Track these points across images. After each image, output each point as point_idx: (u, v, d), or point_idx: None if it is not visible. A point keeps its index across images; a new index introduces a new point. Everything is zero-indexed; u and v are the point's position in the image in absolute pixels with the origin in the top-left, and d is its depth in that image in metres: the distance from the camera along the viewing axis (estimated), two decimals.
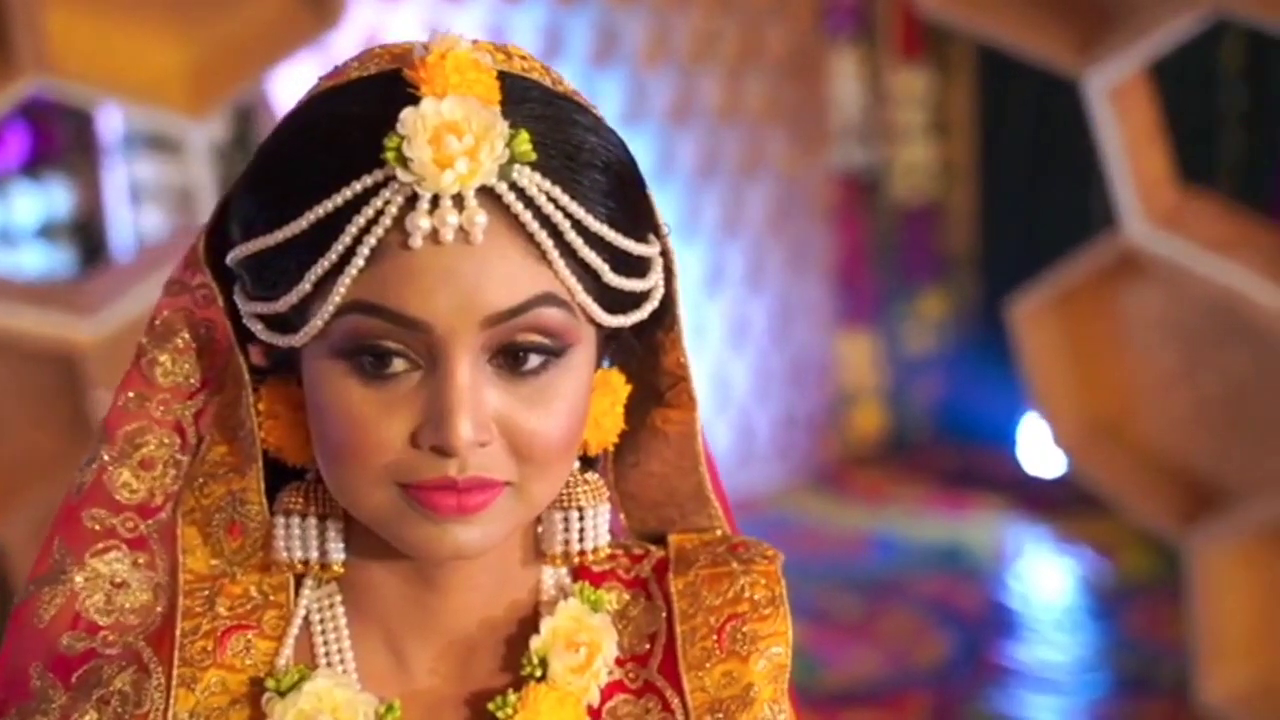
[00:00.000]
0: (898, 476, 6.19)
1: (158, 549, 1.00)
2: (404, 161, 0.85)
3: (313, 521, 0.98)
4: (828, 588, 4.82)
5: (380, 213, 0.86)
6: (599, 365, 0.98)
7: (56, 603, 0.99)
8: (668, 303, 0.99)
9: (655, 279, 0.96)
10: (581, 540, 1.00)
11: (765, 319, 6.05)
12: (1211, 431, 3.51)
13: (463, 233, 0.86)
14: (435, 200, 0.85)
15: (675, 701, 0.99)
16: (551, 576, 1.03)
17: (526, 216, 0.87)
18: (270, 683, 0.96)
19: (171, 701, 0.95)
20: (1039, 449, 5.80)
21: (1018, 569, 5.24)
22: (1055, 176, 6.01)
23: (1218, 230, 3.38)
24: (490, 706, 0.97)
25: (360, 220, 0.86)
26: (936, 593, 4.96)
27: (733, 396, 5.89)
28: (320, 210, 0.87)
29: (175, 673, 0.96)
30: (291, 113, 0.94)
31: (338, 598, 1.00)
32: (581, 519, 1.00)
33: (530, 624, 1.01)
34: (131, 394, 1.01)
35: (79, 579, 0.99)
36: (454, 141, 0.84)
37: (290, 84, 4.29)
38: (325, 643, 0.99)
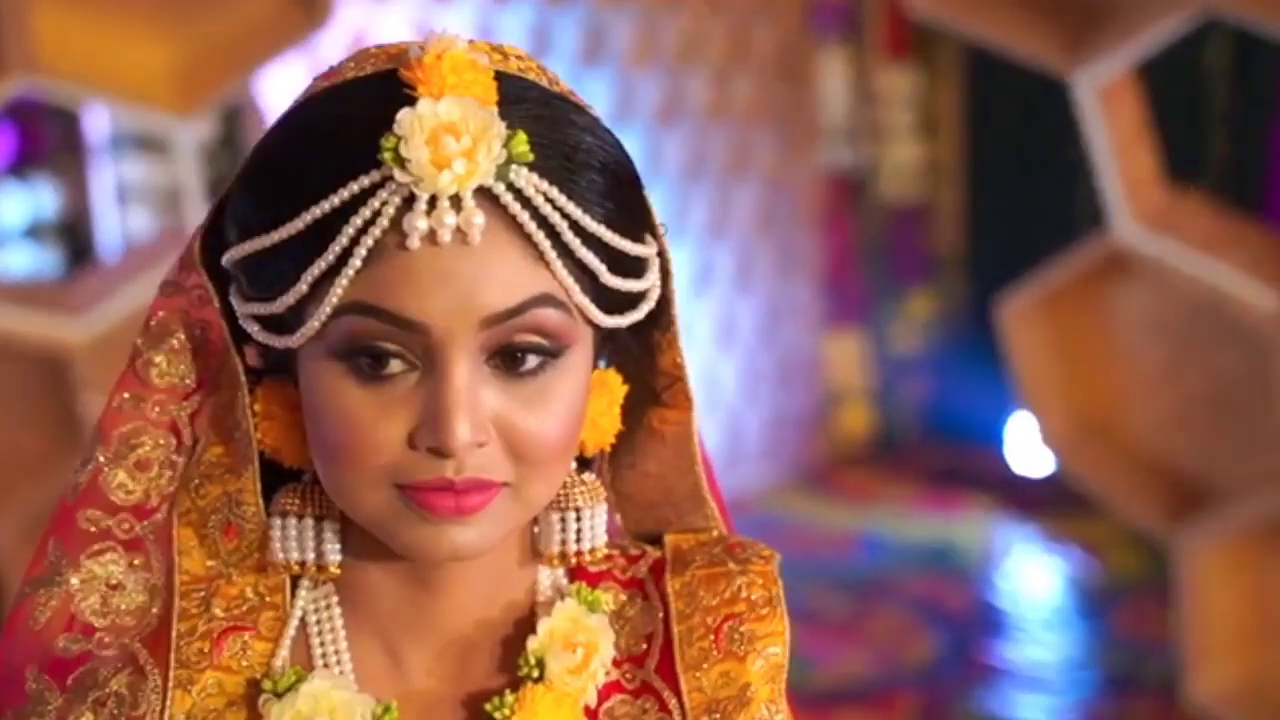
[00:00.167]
0: (886, 476, 6.20)
1: (153, 550, 1.00)
2: (401, 162, 0.84)
3: (309, 523, 0.98)
4: (816, 587, 4.82)
5: (377, 213, 0.85)
6: (596, 366, 0.98)
7: (52, 605, 0.98)
8: (664, 303, 0.99)
9: (652, 279, 0.96)
10: (579, 541, 1.00)
11: (753, 319, 6.05)
12: (1199, 431, 3.53)
13: (460, 234, 0.85)
14: (433, 201, 0.85)
15: (672, 702, 0.99)
16: (548, 577, 1.03)
17: (524, 217, 0.87)
18: (267, 684, 0.96)
19: (168, 703, 0.95)
20: (1027, 449, 5.81)
21: (1006, 568, 5.25)
22: (1043, 176, 6.02)
23: (1206, 230, 3.39)
24: (487, 707, 0.97)
25: (357, 221, 0.86)
26: (925, 592, 4.97)
27: (721, 397, 5.89)
28: (317, 211, 0.86)
29: (171, 674, 0.96)
30: (287, 113, 0.93)
31: (334, 599, 1.00)
32: (578, 520, 1.00)
33: (527, 625, 1.00)
34: (127, 395, 1.00)
35: (75, 581, 0.99)
36: (451, 142, 0.84)
37: (278, 84, 4.28)
38: (322, 644, 0.99)
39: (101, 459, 1.00)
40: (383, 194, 0.85)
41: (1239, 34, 4.83)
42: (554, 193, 0.87)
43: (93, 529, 0.99)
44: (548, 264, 0.88)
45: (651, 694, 1.00)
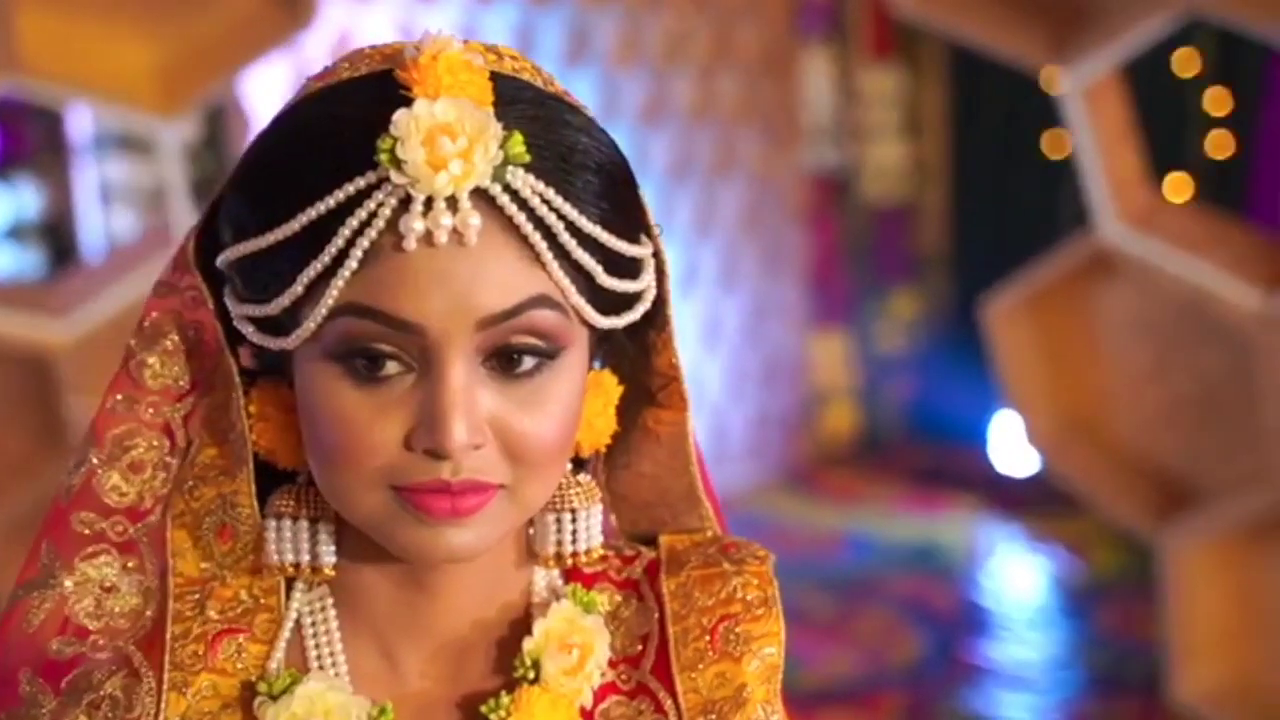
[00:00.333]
0: (870, 476, 6.21)
1: (147, 553, 0.99)
2: (398, 163, 0.84)
3: (304, 524, 0.97)
4: (801, 587, 4.83)
5: (374, 215, 0.85)
6: (591, 367, 0.98)
7: (46, 607, 0.98)
8: (659, 303, 0.99)
9: (648, 280, 0.96)
10: (574, 542, 1.00)
11: (738, 319, 6.06)
12: (1184, 430, 3.54)
13: (456, 235, 0.85)
14: (429, 202, 0.85)
15: (668, 703, 0.99)
16: (543, 578, 1.03)
17: (520, 218, 0.86)
18: (262, 686, 0.96)
19: (163, 706, 0.95)
20: (1011, 448, 5.83)
21: (990, 568, 5.26)
22: (1026, 176, 6.04)
23: (1190, 230, 3.40)
24: (483, 709, 0.96)
25: (354, 222, 0.85)
26: (909, 592, 4.98)
27: (706, 396, 5.89)
28: (313, 212, 0.86)
29: (166, 677, 0.96)
30: (282, 113, 0.93)
31: (329, 601, 1.00)
32: (574, 521, 1.00)
33: (522, 626, 1.00)
34: (120, 396, 1.00)
35: (68, 583, 0.98)
36: (447, 143, 0.84)
37: (262, 84, 4.27)
38: (317, 646, 0.99)
39: (95, 461, 0.99)
40: (379, 195, 0.85)
41: (1223, 34, 4.85)
42: (550, 194, 0.87)
43: (86, 531, 0.99)
44: (544, 265, 0.88)
45: (647, 695, 1.00)
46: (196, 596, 0.98)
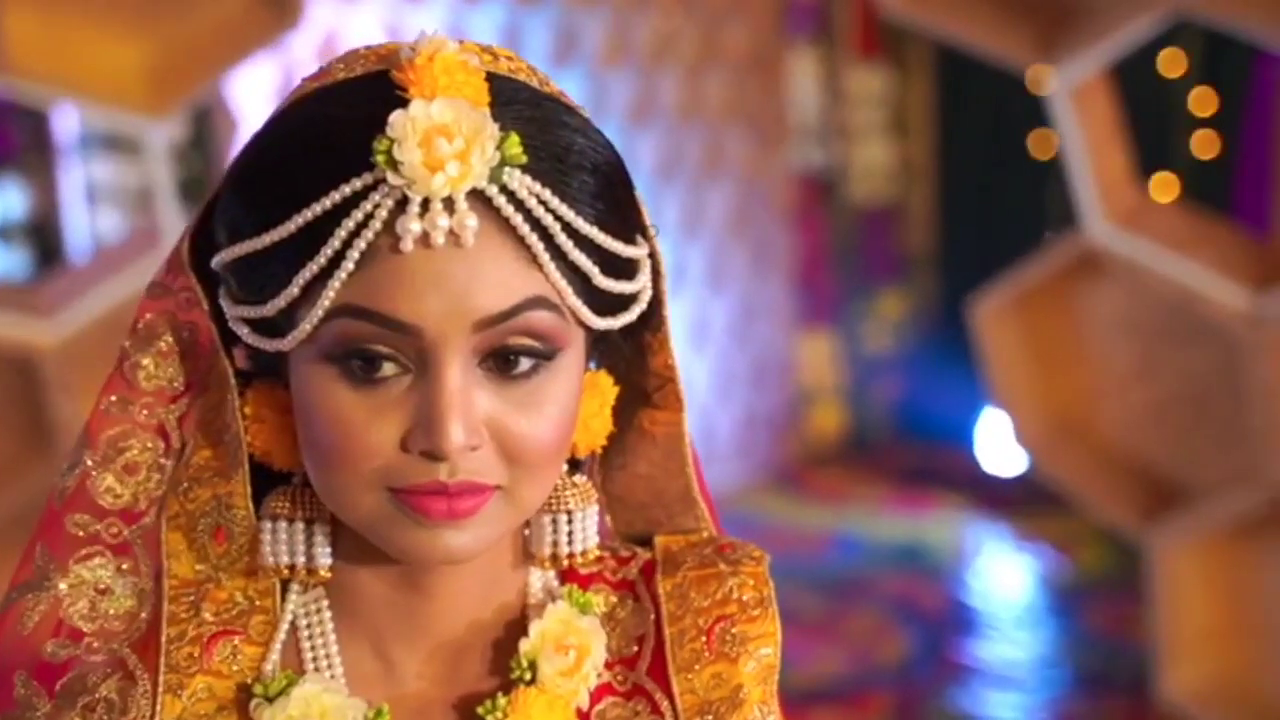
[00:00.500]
0: (858, 476, 6.22)
1: (142, 554, 0.99)
2: (394, 164, 0.84)
3: (299, 526, 0.97)
4: (789, 588, 4.79)
5: (370, 216, 0.85)
6: (587, 367, 0.98)
7: (40, 610, 0.97)
8: (655, 304, 0.99)
9: (644, 281, 0.96)
10: (570, 543, 1.00)
11: (726, 319, 6.06)
12: (1171, 429, 3.54)
13: (453, 236, 0.85)
14: (426, 204, 0.84)
15: (664, 704, 0.99)
16: (539, 579, 1.03)
17: (517, 220, 0.86)
18: (258, 688, 0.95)
19: (158, 708, 0.94)
20: (998, 448, 5.84)
21: (978, 567, 5.27)
22: (1012, 176, 6.05)
23: (1177, 230, 3.41)
24: (479, 710, 0.96)
25: (350, 224, 0.85)
26: (897, 591, 4.98)
27: (694, 397, 5.87)
28: (309, 213, 0.86)
29: (161, 679, 0.95)
30: (277, 114, 0.92)
31: (325, 602, 1.00)
32: (570, 522, 0.99)
33: (518, 627, 1.00)
34: (114, 398, 0.99)
35: (63, 586, 0.98)
36: (444, 144, 0.84)
37: (248, 84, 4.26)
38: (313, 648, 0.98)
39: (89, 463, 0.99)
40: (375, 196, 0.85)
41: (1209, 34, 4.86)
42: (547, 195, 0.87)
43: (81, 533, 0.98)
44: (541, 266, 0.88)
45: (643, 696, 1.00)
46: (191, 598, 0.98)
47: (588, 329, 0.93)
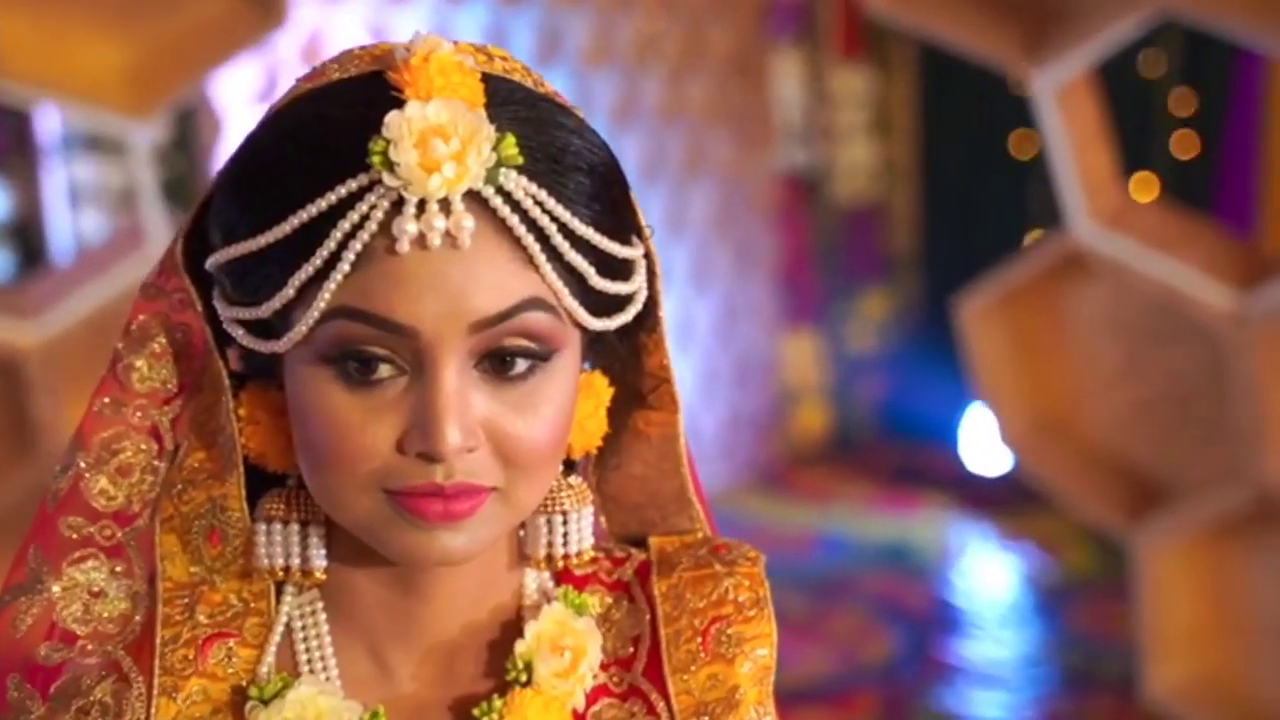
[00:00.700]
0: (842, 475, 6.22)
1: (135, 557, 0.99)
2: (390, 165, 0.84)
3: (294, 528, 0.96)
4: (775, 587, 4.81)
5: (366, 217, 0.84)
6: (581, 368, 0.97)
7: (33, 612, 0.97)
8: (650, 305, 0.98)
9: (639, 281, 0.96)
10: (565, 544, 0.99)
11: (710, 319, 6.06)
12: (1156, 428, 3.55)
13: (449, 237, 0.85)
14: (422, 205, 0.84)
15: (660, 705, 0.99)
16: (534, 580, 1.03)
17: (513, 221, 0.86)
18: (253, 691, 0.95)
19: (153, 711, 0.94)
20: (982, 447, 5.85)
21: (962, 566, 5.28)
22: (995, 176, 6.06)
23: (1161, 229, 3.42)
24: (475, 712, 0.96)
25: (346, 225, 0.85)
26: (883, 591, 4.99)
27: None
28: (305, 215, 0.85)
29: (156, 682, 0.95)
30: (271, 115, 0.92)
31: (319, 604, 0.99)
32: (565, 523, 0.99)
33: (514, 628, 1.00)
34: (107, 399, 0.99)
35: (56, 588, 0.97)
36: (440, 145, 0.84)
37: (232, 85, 4.25)
38: (307, 650, 0.98)
39: (82, 465, 0.98)
40: (371, 197, 0.84)
41: (1192, 34, 4.88)
42: (543, 195, 0.87)
43: (74, 536, 0.98)
44: (537, 268, 0.87)
45: (639, 697, 0.99)
46: (186, 601, 0.98)
47: (583, 330, 0.93)
